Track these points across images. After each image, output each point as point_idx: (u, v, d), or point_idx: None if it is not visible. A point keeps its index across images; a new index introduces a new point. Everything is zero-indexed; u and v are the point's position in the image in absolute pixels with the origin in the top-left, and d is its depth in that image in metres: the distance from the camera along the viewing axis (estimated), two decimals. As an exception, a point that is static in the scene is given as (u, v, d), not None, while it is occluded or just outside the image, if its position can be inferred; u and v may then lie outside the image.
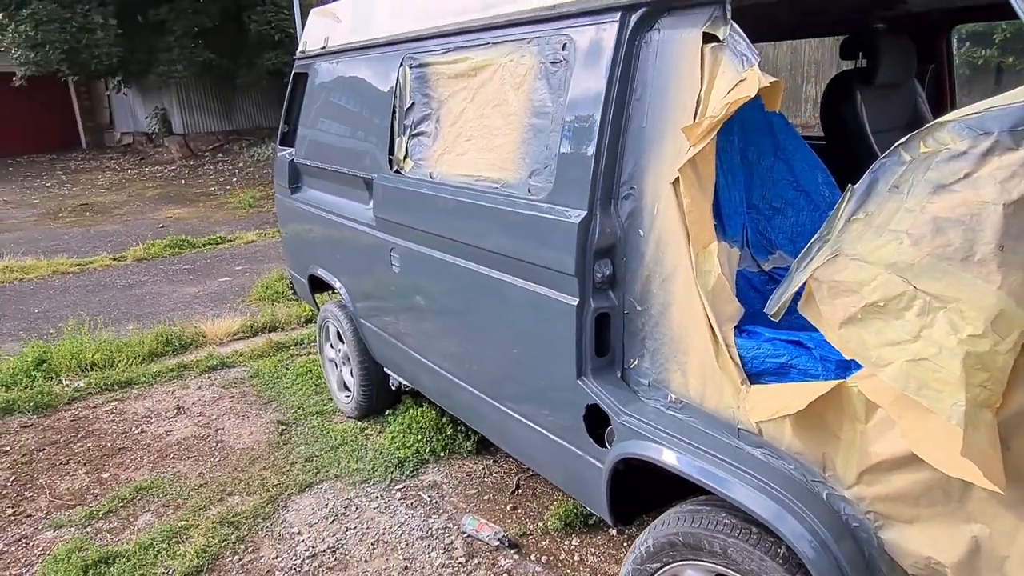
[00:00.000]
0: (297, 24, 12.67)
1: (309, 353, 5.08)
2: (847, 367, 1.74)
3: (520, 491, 3.29)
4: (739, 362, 1.80)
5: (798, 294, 1.51)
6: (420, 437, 3.66)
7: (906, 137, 1.31)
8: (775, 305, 1.49)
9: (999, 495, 1.36)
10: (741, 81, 1.70)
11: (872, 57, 2.67)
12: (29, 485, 3.58)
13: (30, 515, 3.32)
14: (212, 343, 5.38)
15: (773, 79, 1.68)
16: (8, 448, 3.94)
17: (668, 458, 1.92)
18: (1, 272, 7.67)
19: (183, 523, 3.17)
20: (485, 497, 3.26)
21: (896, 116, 2.83)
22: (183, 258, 8.38)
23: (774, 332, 1.85)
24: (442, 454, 3.58)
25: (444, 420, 3.72)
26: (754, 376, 1.81)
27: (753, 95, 1.66)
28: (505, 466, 3.49)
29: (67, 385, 4.67)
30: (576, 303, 2.13)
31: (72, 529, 3.19)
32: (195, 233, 9.54)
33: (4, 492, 3.51)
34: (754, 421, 1.69)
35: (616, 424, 2.08)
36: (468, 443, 3.60)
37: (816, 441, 1.66)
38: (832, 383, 1.56)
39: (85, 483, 3.57)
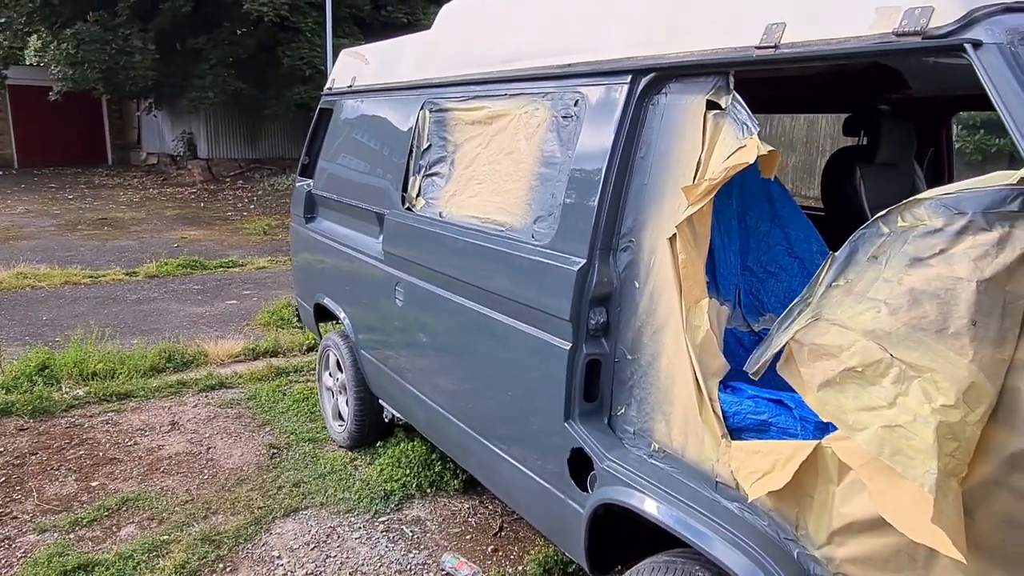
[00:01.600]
0: (328, 61, 13.07)
1: (308, 380, 5.13)
2: (825, 428, 1.79)
3: (503, 533, 3.29)
4: (721, 416, 1.85)
5: (778, 354, 1.57)
6: (408, 471, 3.68)
7: (885, 211, 1.39)
8: (756, 364, 1.54)
9: (962, 564, 1.39)
10: (741, 148, 1.79)
11: (874, 136, 2.77)
12: (18, 487, 3.61)
13: (16, 517, 3.35)
14: (213, 363, 5.43)
15: (771, 148, 1.77)
16: (1, 449, 3.98)
17: (647, 507, 1.95)
18: (15, 278, 7.80)
19: (165, 537, 3.18)
20: (467, 536, 3.26)
21: (894, 194, 2.91)
22: (194, 278, 8.50)
23: (757, 390, 1.90)
24: (429, 490, 3.60)
25: (434, 456, 3.75)
26: (735, 431, 1.86)
27: (751, 161, 1.75)
28: (491, 507, 3.50)
29: (67, 392, 4.73)
30: (569, 347, 2.19)
31: (55, 534, 3.21)
32: (208, 255, 9.68)
33: (-7, 492, 3.55)
34: (751, 498, 1.71)
35: (599, 469, 2.12)
36: (456, 481, 3.62)
37: (791, 499, 1.69)
38: (811, 443, 1.60)
39: (73, 490, 3.60)
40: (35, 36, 15.83)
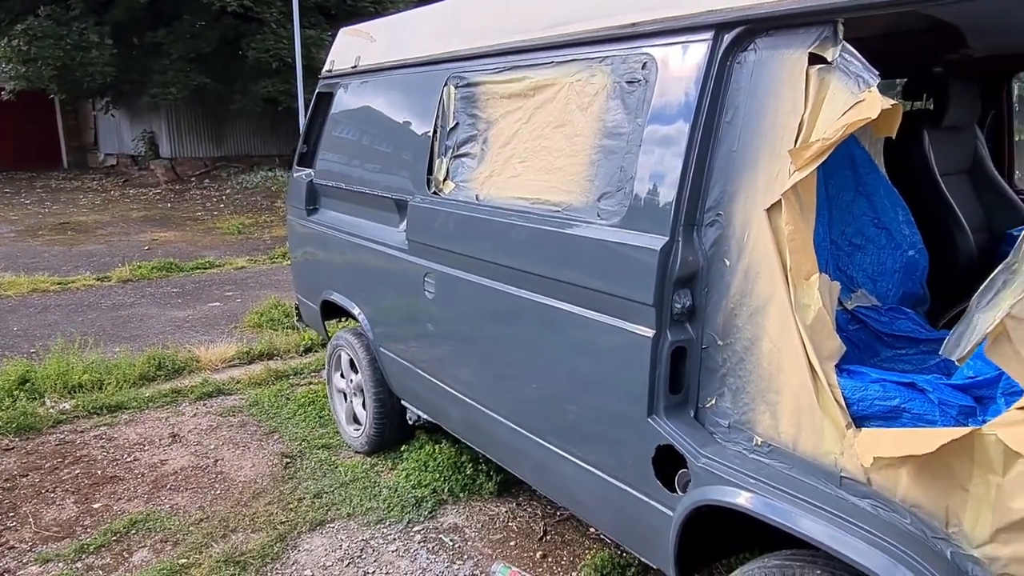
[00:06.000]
0: (297, 53, 12.65)
1: (311, 383, 4.85)
2: (970, 414, 1.62)
3: (548, 537, 3.09)
4: (844, 404, 1.66)
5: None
6: (438, 475, 3.45)
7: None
8: (963, 349, 1.33)
9: None
10: (859, 102, 1.59)
11: (940, 99, 2.61)
12: (12, 514, 3.30)
13: (13, 547, 3.04)
14: (207, 369, 5.13)
15: (893, 102, 1.58)
16: (-13, 472, 3.66)
17: (759, 507, 1.76)
18: (-22, 287, 7.35)
19: (183, 561, 2.91)
20: (511, 543, 3.05)
21: (960, 159, 2.78)
22: (171, 281, 8.12)
23: (881, 373, 1.73)
24: (462, 495, 3.37)
25: (464, 458, 3.52)
26: (859, 420, 1.67)
27: (875, 116, 1.56)
28: (529, 510, 3.29)
29: (52, 407, 4.39)
30: (652, 335, 1.98)
31: (60, 564, 2.92)
32: (182, 257, 9.28)
33: (-17, 520, 3.23)
34: (869, 461, 1.53)
35: (694, 467, 1.92)
36: (490, 484, 3.40)
37: (938, 493, 1.51)
38: (965, 429, 1.42)
39: (74, 513, 3.30)
40: (-18, 33, 15.09)
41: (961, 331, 1.34)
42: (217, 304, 7.14)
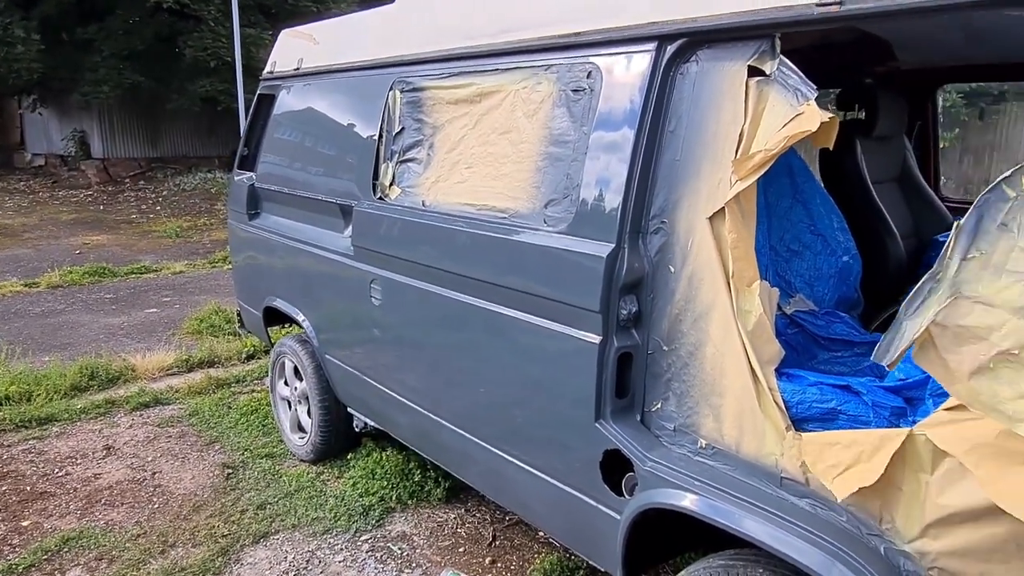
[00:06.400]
0: (236, 51, 12.35)
1: (253, 391, 4.74)
2: (901, 414, 1.69)
3: (497, 543, 3.09)
4: (783, 407, 1.71)
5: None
6: (385, 483, 3.41)
7: (1008, 172, 1.27)
8: (890, 354, 1.39)
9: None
10: (798, 115, 1.65)
11: (871, 109, 2.72)
12: (-69, 535, 3.13)
13: (-67, 570, 2.89)
14: (143, 378, 4.95)
15: (831, 115, 1.64)
16: (-96, 492, 3.46)
17: (704, 509, 1.80)
18: None
19: (120, 579, 2.81)
20: (460, 549, 3.04)
21: (890, 168, 2.89)
22: (104, 287, 7.83)
23: (819, 376, 1.78)
24: (410, 502, 3.34)
25: (412, 465, 3.49)
26: (798, 422, 1.73)
27: (814, 129, 1.61)
28: (478, 515, 3.28)
29: (-25, 421, 4.18)
30: (598, 341, 2.01)
31: (-14, 587, 2.79)
32: (116, 261, 8.96)
33: (-100, 543, 3.06)
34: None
35: (640, 471, 1.95)
36: (438, 490, 3.38)
37: (872, 491, 1.57)
38: (902, 431, 1.48)
39: (1, 532, 3.14)
40: None
41: (891, 338, 1.40)
42: (154, 310, 6.92)
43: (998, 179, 1.28)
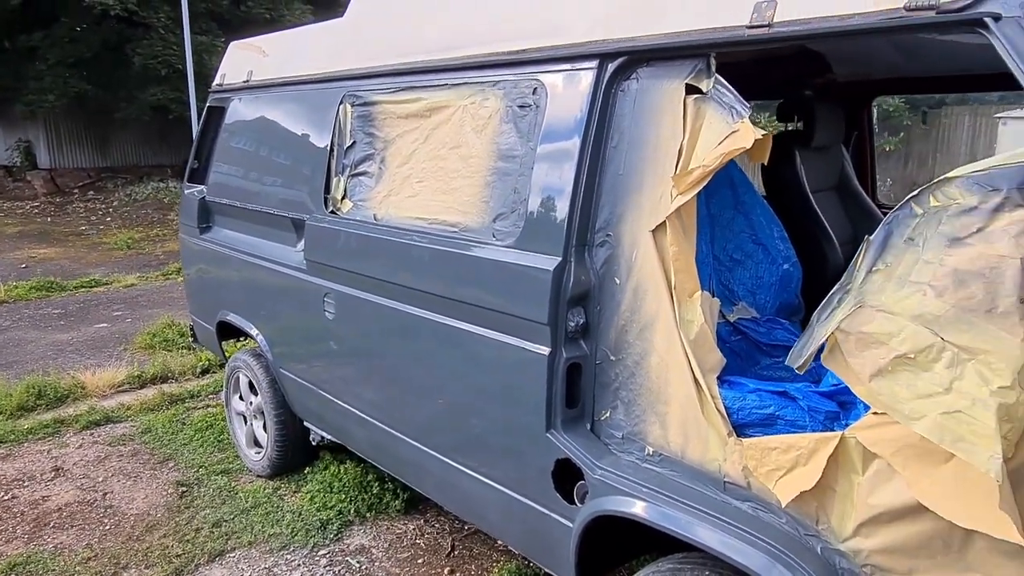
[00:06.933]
0: (188, 59, 12.15)
1: (208, 406, 4.68)
2: (835, 418, 1.76)
3: (456, 552, 3.10)
4: (725, 413, 1.77)
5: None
6: (343, 496, 3.40)
7: (916, 191, 1.35)
8: (800, 358, 1.46)
9: (1003, 545, 1.37)
10: (734, 132, 1.71)
11: (809, 120, 2.82)
12: None
13: None
14: (94, 395, 4.85)
15: (763, 132, 1.71)
16: None
17: (651, 515, 1.84)
18: None
19: (70, 604, 2.76)
20: (419, 560, 3.05)
21: (828, 177, 3.00)
22: (52, 302, 7.63)
23: (758, 383, 1.84)
24: (368, 514, 3.34)
25: (370, 477, 3.49)
26: (739, 428, 1.79)
27: (749, 146, 1.67)
28: (437, 526, 3.29)
29: (-84, 445, 4.05)
30: (547, 352, 2.04)
31: (-72, 617, 2.71)
32: (65, 275, 8.74)
33: None
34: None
35: (590, 479, 1.99)
36: (397, 502, 3.38)
37: (809, 494, 1.64)
38: (835, 435, 1.55)
39: (-57, 561, 3.06)
40: None
41: (803, 343, 1.47)
42: (105, 325, 6.77)
43: (907, 198, 1.36)
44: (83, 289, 8.19)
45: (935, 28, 1.45)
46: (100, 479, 3.76)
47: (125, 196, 15.14)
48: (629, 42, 1.92)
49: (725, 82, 1.77)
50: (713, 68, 1.79)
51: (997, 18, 1.34)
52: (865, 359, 1.38)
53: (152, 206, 14.41)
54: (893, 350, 1.34)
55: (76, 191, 16.01)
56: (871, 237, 1.40)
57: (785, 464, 1.63)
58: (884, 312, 1.35)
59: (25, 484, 3.71)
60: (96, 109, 15.27)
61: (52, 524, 3.34)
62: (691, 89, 1.82)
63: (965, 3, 1.37)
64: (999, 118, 11.98)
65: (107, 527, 3.31)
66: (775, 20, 1.63)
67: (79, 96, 14.28)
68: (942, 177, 1.36)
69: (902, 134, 13.94)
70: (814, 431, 1.71)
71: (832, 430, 1.64)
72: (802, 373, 1.51)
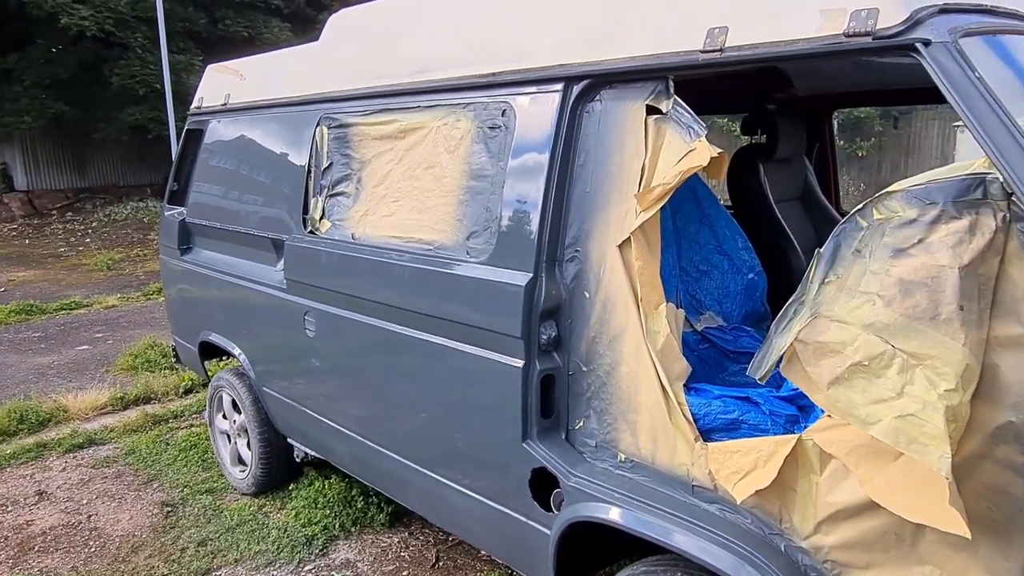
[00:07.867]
0: (165, 78, 12.16)
1: (192, 425, 4.69)
2: (795, 421, 1.84)
3: (441, 563, 3.15)
4: (691, 419, 1.85)
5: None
6: (328, 512, 3.44)
7: (860, 204, 1.43)
8: (761, 368, 1.53)
9: (950, 537, 1.45)
10: (691, 151, 1.79)
11: (772, 133, 2.92)
12: None
13: None
14: (76, 418, 4.85)
15: (720, 151, 1.79)
16: None
17: (624, 519, 1.91)
18: None
19: (56, 627, 2.77)
20: (404, 573, 3.09)
21: (792, 187, 3.10)
22: (32, 325, 7.60)
23: (722, 389, 1.92)
24: (353, 529, 3.38)
25: (355, 492, 3.53)
26: (706, 433, 1.86)
27: (705, 164, 1.76)
28: (421, 538, 3.34)
29: None
30: (521, 365, 2.11)
31: (-87, 645, 2.71)
32: (45, 298, 8.70)
33: None
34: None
35: (566, 487, 2.06)
36: (381, 515, 3.42)
37: (773, 494, 1.71)
38: (792, 437, 1.63)
39: (-73, 588, 3.07)
40: None
41: (763, 353, 1.55)
42: (86, 347, 6.75)
43: (852, 211, 1.44)
44: (63, 311, 8.15)
45: (873, 52, 1.55)
46: (84, 502, 3.77)
47: (104, 216, 15.07)
48: (592, 66, 2.00)
49: (683, 103, 1.86)
50: (672, 89, 1.88)
51: (927, 43, 1.43)
52: (822, 368, 1.45)
53: (132, 226, 14.35)
54: (848, 358, 1.42)
55: (54, 212, 15.91)
56: (821, 250, 1.48)
57: (745, 467, 1.70)
58: (838, 322, 1.43)
59: (8, 509, 3.71)
60: (74, 130, 15.22)
61: (37, 548, 3.35)
62: (652, 110, 1.91)
63: (897, 30, 1.46)
64: (957, 126, 12.30)
65: (92, 549, 3.32)
66: (727, 45, 1.71)
67: (56, 117, 14.23)
68: (883, 191, 1.45)
69: (874, 139, 14.21)
70: (775, 434, 1.79)
71: (792, 433, 1.72)
72: (763, 383, 1.58)
